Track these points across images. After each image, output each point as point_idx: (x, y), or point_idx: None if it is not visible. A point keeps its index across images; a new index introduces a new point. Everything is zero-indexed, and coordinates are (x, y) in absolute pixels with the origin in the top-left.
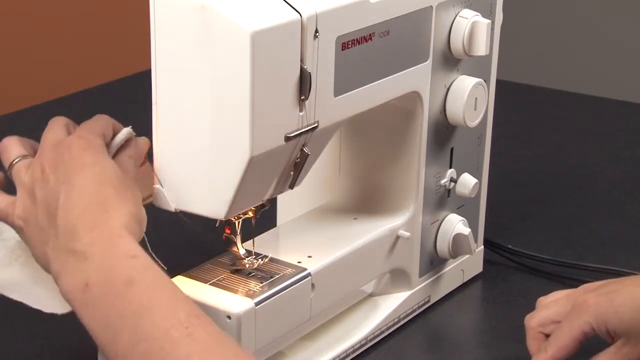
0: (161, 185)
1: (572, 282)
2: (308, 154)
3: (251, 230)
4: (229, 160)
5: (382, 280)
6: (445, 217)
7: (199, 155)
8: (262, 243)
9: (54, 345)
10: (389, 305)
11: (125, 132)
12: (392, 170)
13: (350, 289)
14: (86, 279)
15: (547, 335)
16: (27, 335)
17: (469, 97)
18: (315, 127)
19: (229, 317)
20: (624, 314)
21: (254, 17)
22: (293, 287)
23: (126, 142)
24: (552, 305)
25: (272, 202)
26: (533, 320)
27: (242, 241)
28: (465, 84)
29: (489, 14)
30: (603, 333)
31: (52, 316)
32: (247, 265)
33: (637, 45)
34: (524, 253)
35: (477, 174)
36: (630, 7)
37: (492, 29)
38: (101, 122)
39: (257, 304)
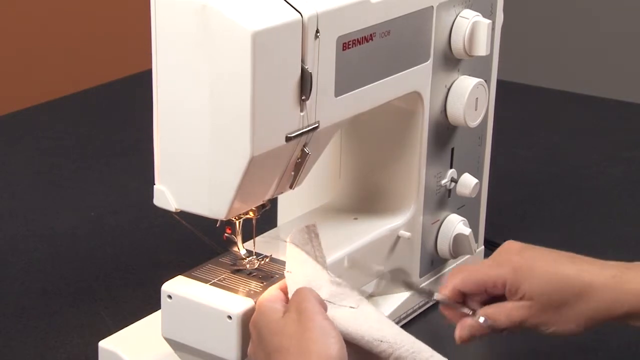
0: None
1: None
2: (309, 154)
3: (252, 230)
4: (229, 160)
5: (383, 280)
6: (446, 217)
7: (199, 155)
8: (263, 243)
9: (54, 346)
10: (389, 305)
11: None
12: (393, 170)
13: None
14: None
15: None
16: (27, 336)
17: (469, 97)
18: (316, 127)
19: (229, 317)
20: (539, 282)
21: (255, 17)
22: None
23: None
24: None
25: (273, 202)
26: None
27: (243, 241)
28: (466, 84)
29: (489, 14)
30: (511, 291)
31: (52, 315)
32: (247, 265)
33: (637, 45)
34: None
35: (477, 174)
36: (630, 7)
37: (493, 29)
38: None
39: None
